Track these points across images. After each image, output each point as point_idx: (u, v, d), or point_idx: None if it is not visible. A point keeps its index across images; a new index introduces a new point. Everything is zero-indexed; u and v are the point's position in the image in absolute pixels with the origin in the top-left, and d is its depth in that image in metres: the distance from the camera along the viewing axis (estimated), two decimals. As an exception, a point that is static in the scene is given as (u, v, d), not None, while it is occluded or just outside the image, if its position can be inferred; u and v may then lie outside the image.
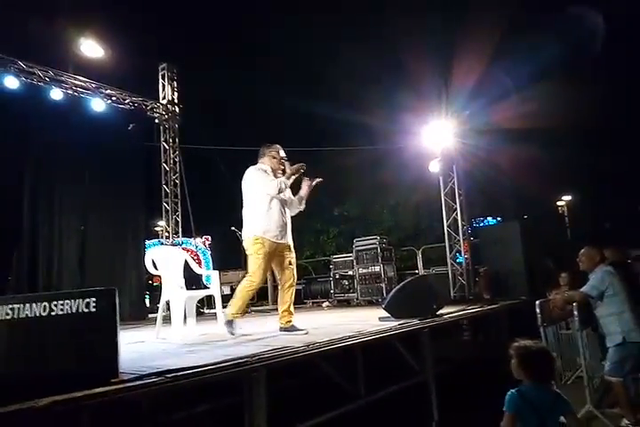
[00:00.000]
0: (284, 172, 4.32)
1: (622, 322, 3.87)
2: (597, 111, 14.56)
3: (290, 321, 4.21)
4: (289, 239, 4.32)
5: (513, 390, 2.34)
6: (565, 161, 15.40)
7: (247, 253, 4.22)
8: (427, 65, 11.49)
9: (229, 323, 4.09)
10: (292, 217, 4.45)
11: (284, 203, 4.32)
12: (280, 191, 4.19)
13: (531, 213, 14.58)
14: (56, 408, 1.96)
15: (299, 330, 4.12)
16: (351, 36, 15.14)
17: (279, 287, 4.37)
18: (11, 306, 2.32)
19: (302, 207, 4.52)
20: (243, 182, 4.30)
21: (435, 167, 8.70)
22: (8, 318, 2.29)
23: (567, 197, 21.00)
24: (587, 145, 15.69)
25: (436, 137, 8.50)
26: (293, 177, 4.30)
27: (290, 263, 4.30)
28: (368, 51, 15.30)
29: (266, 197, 4.19)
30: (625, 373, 3.85)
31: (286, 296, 4.24)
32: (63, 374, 2.20)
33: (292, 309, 4.26)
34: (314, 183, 4.45)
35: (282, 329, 4.20)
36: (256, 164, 4.39)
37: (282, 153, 4.40)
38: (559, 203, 21.16)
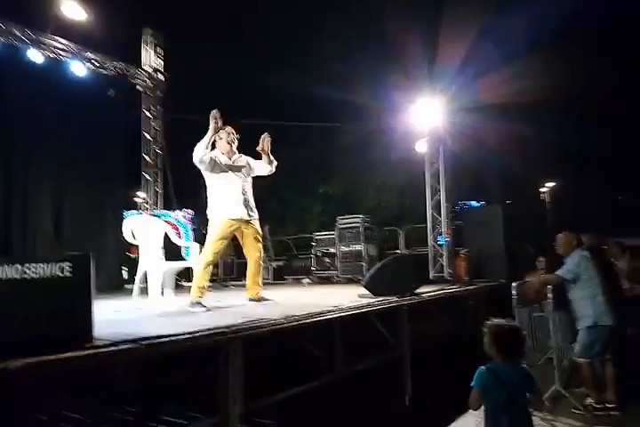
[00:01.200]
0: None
1: (595, 305, 3.96)
2: (586, 92, 14.55)
3: (258, 293, 4.34)
4: (247, 214, 4.30)
5: (482, 367, 2.41)
6: (552, 145, 15.49)
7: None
8: (413, 40, 11.28)
9: (196, 305, 4.02)
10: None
11: (236, 179, 4.30)
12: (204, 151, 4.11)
13: (514, 197, 14.71)
14: (29, 371, 1.93)
15: (267, 300, 4.28)
16: (336, 7, 14.66)
17: (249, 262, 4.39)
18: (-19, 268, 2.25)
19: (272, 167, 4.48)
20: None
21: (421, 147, 8.65)
22: (-21, 280, 2.22)
23: (550, 184, 21.25)
24: (575, 129, 15.68)
25: (424, 116, 8.39)
26: (212, 127, 4.14)
27: (252, 237, 4.32)
28: (353, 24, 14.97)
29: (211, 178, 4.23)
30: (593, 354, 3.96)
31: (253, 269, 4.33)
32: (36, 337, 2.15)
33: (259, 281, 4.37)
34: (264, 139, 4.37)
35: (252, 300, 4.32)
36: None
37: (230, 136, 4.34)
38: (542, 189, 21.42)
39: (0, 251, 6.43)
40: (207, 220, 4.30)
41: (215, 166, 4.21)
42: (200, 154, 4.10)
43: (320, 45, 15.00)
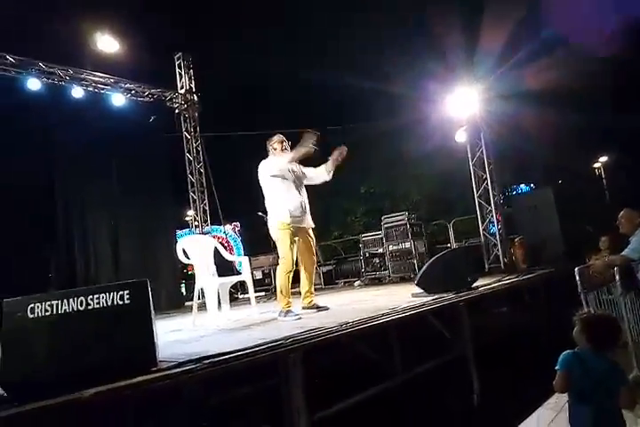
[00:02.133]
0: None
1: (667, 285, 3.72)
2: (631, 66, 13.77)
3: (312, 301, 4.41)
4: (309, 222, 4.43)
5: (569, 351, 2.29)
6: (599, 120, 14.73)
7: (274, 239, 4.34)
8: (452, 28, 10.99)
9: (287, 313, 4.11)
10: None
11: (298, 186, 4.40)
12: (287, 165, 4.29)
13: (565, 177, 14.09)
14: (100, 399, 2.02)
15: (321, 307, 4.35)
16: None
17: (301, 270, 4.45)
18: (49, 302, 2.38)
19: (328, 177, 4.57)
20: (259, 174, 4.40)
21: (461, 137, 8.44)
22: (47, 314, 2.36)
23: (603, 159, 20.15)
24: (620, 102, 14.88)
25: (462, 105, 8.19)
26: (305, 149, 4.24)
27: (310, 246, 4.42)
28: (389, 15, 14.69)
29: (280, 184, 4.30)
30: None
31: (307, 278, 4.40)
32: (104, 365, 2.26)
33: (312, 289, 4.46)
34: (340, 152, 4.50)
35: (304, 308, 4.38)
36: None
37: (284, 144, 4.48)
38: (595, 165, 20.35)
39: (65, 274, 6.82)
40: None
41: (283, 174, 4.33)
42: (280, 161, 4.28)
43: (355, 40, 14.77)
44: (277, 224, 4.25)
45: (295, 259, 4.27)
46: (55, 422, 1.97)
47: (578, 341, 2.30)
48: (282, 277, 4.20)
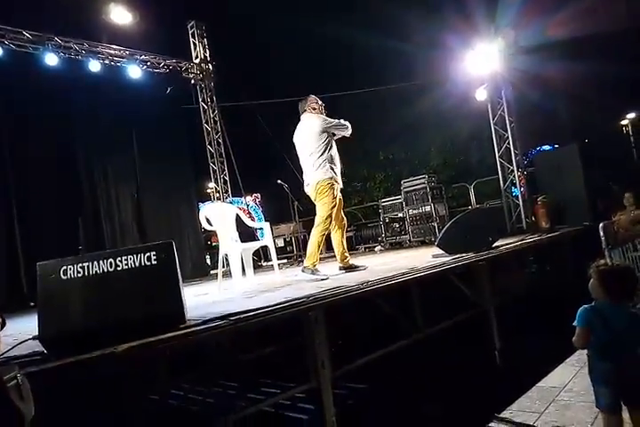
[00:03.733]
0: None
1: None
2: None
3: (348, 260, 4.49)
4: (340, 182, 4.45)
5: (586, 305, 2.25)
6: (626, 75, 14.04)
7: (316, 197, 4.30)
8: None
9: (314, 272, 4.16)
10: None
11: (334, 147, 4.43)
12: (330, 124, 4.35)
13: (591, 136, 13.61)
14: (133, 353, 2.13)
15: (359, 266, 4.43)
16: None
17: (335, 231, 4.46)
18: (80, 265, 2.49)
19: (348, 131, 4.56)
20: (307, 131, 4.37)
21: (482, 95, 8.21)
22: (80, 275, 2.47)
23: (631, 115, 19.36)
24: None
25: (482, 61, 7.91)
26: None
27: (341, 205, 4.48)
28: None
29: (328, 142, 4.32)
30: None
31: (342, 238, 4.45)
32: (135, 323, 2.37)
33: (346, 249, 4.51)
34: None
35: (343, 269, 4.45)
36: (301, 115, 4.51)
37: (319, 101, 4.53)
38: (623, 122, 19.60)
39: (94, 247, 7.04)
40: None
41: (331, 132, 4.38)
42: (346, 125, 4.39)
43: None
44: (326, 181, 4.24)
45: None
46: (91, 374, 2.08)
47: (594, 293, 2.26)
48: (318, 236, 4.21)
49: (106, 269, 2.49)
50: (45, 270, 2.45)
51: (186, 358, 2.91)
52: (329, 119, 4.37)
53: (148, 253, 2.51)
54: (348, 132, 4.46)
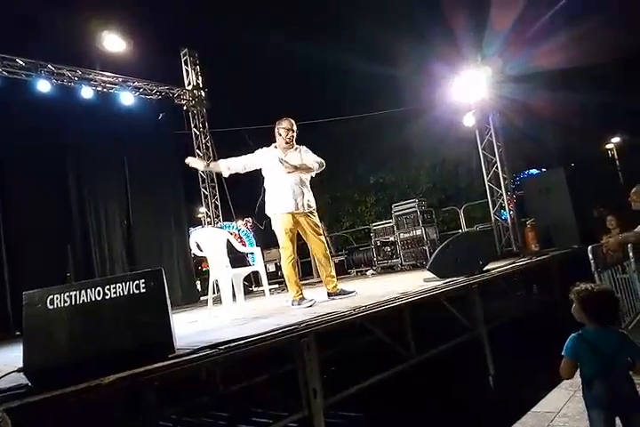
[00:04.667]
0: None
1: (681, 260, 3.69)
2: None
3: (336, 286, 4.33)
4: (304, 206, 4.27)
5: (574, 334, 2.22)
6: (610, 101, 14.45)
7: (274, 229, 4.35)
8: (459, 8, 10.75)
9: (300, 302, 4.11)
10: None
11: (285, 174, 4.25)
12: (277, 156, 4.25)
13: (577, 160, 13.88)
14: (120, 384, 2.09)
15: (348, 292, 4.27)
16: None
17: (314, 257, 4.46)
18: (68, 294, 2.45)
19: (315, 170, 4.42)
20: None
21: (469, 121, 8.37)
22: (67, 304, 2.43)
23: (616, 140, 19.82)
24: (632, 82, 14.56)
25: (469, 88, 8.10)
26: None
27: (312, 231, 4.29)
28: None
29: (268, 174, 4.32)
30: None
31: (321, 262, 4.33)
32: (123, 353, 2.32)
33: (333, 273, 4.38)
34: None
35: (331, 295, 4.30)
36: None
37: (288, 128, 4.33)
38: (608, 146, 20.03)
39: (83, 272, 6.95)
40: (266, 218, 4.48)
41: (269, 166, 4.32)
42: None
43: (360, 20, 14.35)
44: (271, 216, 4.31)
45: (300, 247, 4.29)
46: (77, 407, 2.03)
47: (578, 318, 2.24)
48: (285, 266, 4.23)
49: (94, 298, 2.45)
50: (32, 299, 2.41)
51: (175, 387, 2.85)
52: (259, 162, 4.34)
53: (137, 281, 2.49)
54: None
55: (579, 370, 2.23)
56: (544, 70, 11.10)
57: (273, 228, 4.34)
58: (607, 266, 4.42)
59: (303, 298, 4.13)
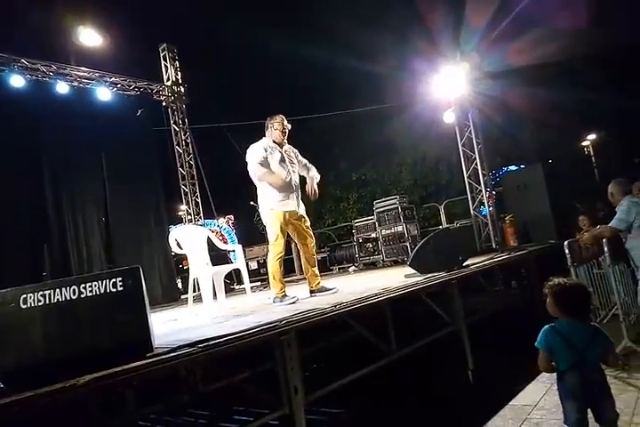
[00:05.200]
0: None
1: (654, 253, 3.78)
2: (618, 43, 13.70)
3: (319, 283, 4.39)
4: (299, 207, 4.39)
5: (546, 326, 2.30)
6: (586, 98, 14.72)
7: (265, 223, 4.35)
8: (437, 5, 10.81)
9: (282, 299, 4.13)
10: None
11: (289, 170, 4.35)
12: (264, 155, 4.25)
13: (555, 156, 14.13)
14: (96, 384, 2.05)
15: (329, 289, 4.33)
16: None
17: (301, 254, 4.48)
18: (42, 292, 2.39)
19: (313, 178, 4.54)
20: (247, 160, 4.35)
21: (449, 117, 8.45)
22: (41, 304, 2.37)
23: (592, 137, 20.22)
24: (609, 79, 14.87)
25: (449, 85, 8.16)
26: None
27: (302, 230, 4.38)
28: None
29: (268, 169, 4.26)
30: (661, 304, 3.78)
31: (309, 261, 4.39)
32: (100, 352, 2.28)
33: (317, 272, 4.44)
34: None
35: (312, 292, 4.36)
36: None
37: (284, 123, 4.41)
38: (584, 143, 20.43)
39: (60, 271, 6.81)
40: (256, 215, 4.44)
41: (270, 159, 4.28)
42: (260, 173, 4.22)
43: (337, 19, 14.38)
44: (265, 211, 4.28)
45: (286, 244, 4.29)
46: (52, 409, 1.99)
47: (552, 312, 2.31)
48: (272, 263, 4.23)
49: (69, 297, 2.40)
50: (4, 299, 2.35)
51: (154, 386, 2.82)
52: (254, 157, 4.24)
53: (114, 280, 2.45)
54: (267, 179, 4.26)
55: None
56: (521, 67, 11.23)
57: (264, 222, 4.32)
58: (583, 261, 4.51)
59: (286, 295, 4.14)
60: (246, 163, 4.34)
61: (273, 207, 4.24)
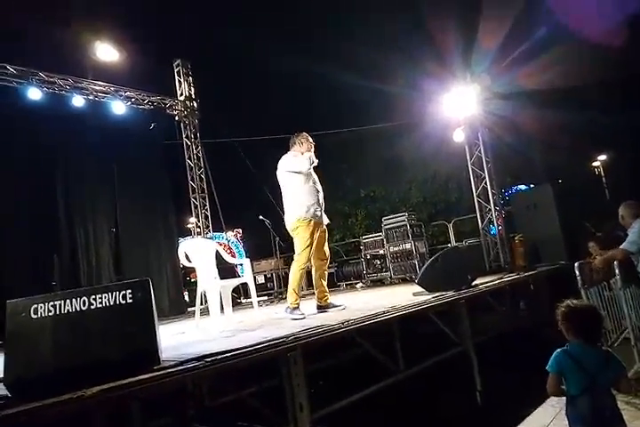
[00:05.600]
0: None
1: (666, 276, 3.73)
2: (629, 65, 13.78)
3: (327, 299, 4.39)
4: (325, 219, 4.47)
5: (559, 350, 2.27)
6: (597, 120, 14.74)
7: (293, 234, 4.37)
8: (448, 26, 10.99)
9: (293, 310, 4.15)
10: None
11: (316, 182, 4.44)
12: (312, 164, 4.35)
13: (565, 176, 14.09)
14: (104, 396, 2.05)
15: (337, 306, 4.32)
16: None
17: (313, 268, 4.48)
18: (52, 303, 2.42)
19: None
20: (279, 170, 4.43)
21: (459, 136, 8.48)
22: (51, 314, 2.39)
23: (602, 157, 20.18)
24: (620, 101, 14.93)
25: (459, 104, 8.23)
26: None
27: (324, 243, 4.45)
28: (385, 13, 14.54)
29: (303, 179, 4.34)
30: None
31: (322, 276, 4.41)
32: (108, 364, 2.29)
33: (326, 287, 4.44)
34: None
35: (320, 308, 4.36)
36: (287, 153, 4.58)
37: (309, 139, 4.58)
38: (594, 164, 20.38)
39: (69, 281, 6.84)
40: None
41: (303, 170, 4.36)
42: (308, 160, 4.32)
43: (351, 40, 14.65)
44: (296, 219, 4.30)
45: (310, 256, 4.29)
46: (59, 419, 1.99)
47: (566, 335, 2.29)
48: (296, 273, 4.23)
49: (79, 308, 2.42)
50: (15, 309, 2.38)
51: (161, 399, 2.80)
52: (304, 166, 4.32)
53: (124, 292, 2.47)
54: (305, 166, 4.36)
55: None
56: (531, 89, 11.32)
57: (295, 231, 4.31)
58: (594, 283, 4.46)
59: (298, 308, 4.15)
60: (277, 169, 4.43)
61: (310, 217, 4.27)
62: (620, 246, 4.00)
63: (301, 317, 4.02)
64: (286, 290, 4.47)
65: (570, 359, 2.22)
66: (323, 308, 4.35)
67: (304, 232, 4.24)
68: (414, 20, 13.12)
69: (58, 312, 2.39)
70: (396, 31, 14.22)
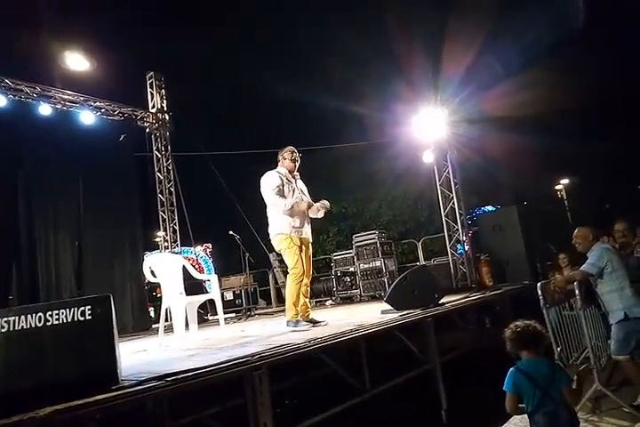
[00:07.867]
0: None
1: (623, 298, 3.85)
2: (590, 93, 14.50)
3: (309, 315, 4.37)
4: (309, 234, 4.47)
5: (512, 368, 2.39)
6: (560, 145, 15.36)
7: (279, 249, 4.37)
8: (416, 51, 11.36)
9: (296, 324, 4.14)
10: None
11: (298, 197, 4.43)
12: (280, 182, 4.35)
13: (529, 199, 14.55)
14: (57, 418, 1.96)
15: (319, 322, 4.29)
16: (336, 21, 14.73)
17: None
18: (6, 319, 2.31)
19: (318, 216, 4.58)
20: (261, 184, 4.43)
21: (428, 157, 8.67)
22: (4, 330, 2.29)
23: (565, 181, 20.98)
24: (582, 128, 15.66)
25: (428, 126, 8.44)
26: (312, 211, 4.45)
27: (309, 259, 4.45)
28: (354, 37, 14.95)
29: (276, 196, 4.32)
30: (631, 349, 3.82)
31: (306, 292, 4.37)
32: (63, 383, 2.19)
33: (308, 303, 4.44)
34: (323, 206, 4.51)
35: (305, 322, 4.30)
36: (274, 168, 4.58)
37: (294, 153, 4.58)
38: (557, 187, 21.15)
39: (28, 295, 6.57)
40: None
41: (284, 185, 4.36)
42: (283, 204, 4.29)
43: (324, 62, 14.96)
44: (274, 235, 4.31)
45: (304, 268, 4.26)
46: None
47: (515, 354, 2.43)
48: (292, 287, 4.21)
49: (34, 325, 2.33)
50: (-35, 325, 2.26)
51: (118, 420, 2.69)
52: (269, 185, 4.33)
53: (83, 308, 2.39)
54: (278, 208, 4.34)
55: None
56: (499, 113, 11.76)
57: (279, 248, 4.32)
58: (555, 302, 4.57)
59: (300, 321, 4.15)
60: (257, 189, 4.44)
61: (290, 233, 4.26)
62: (581, 268, 4.12)
63: (307, 329, 4.01)
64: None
65: (522, 376, 2.32)
66: (311, 322, 4.29)
67: (288, 248, 4.25)
68: (384, 43, 13.52)
69: (11, 329, 2.29)
70: (367, 51, 14.61)
